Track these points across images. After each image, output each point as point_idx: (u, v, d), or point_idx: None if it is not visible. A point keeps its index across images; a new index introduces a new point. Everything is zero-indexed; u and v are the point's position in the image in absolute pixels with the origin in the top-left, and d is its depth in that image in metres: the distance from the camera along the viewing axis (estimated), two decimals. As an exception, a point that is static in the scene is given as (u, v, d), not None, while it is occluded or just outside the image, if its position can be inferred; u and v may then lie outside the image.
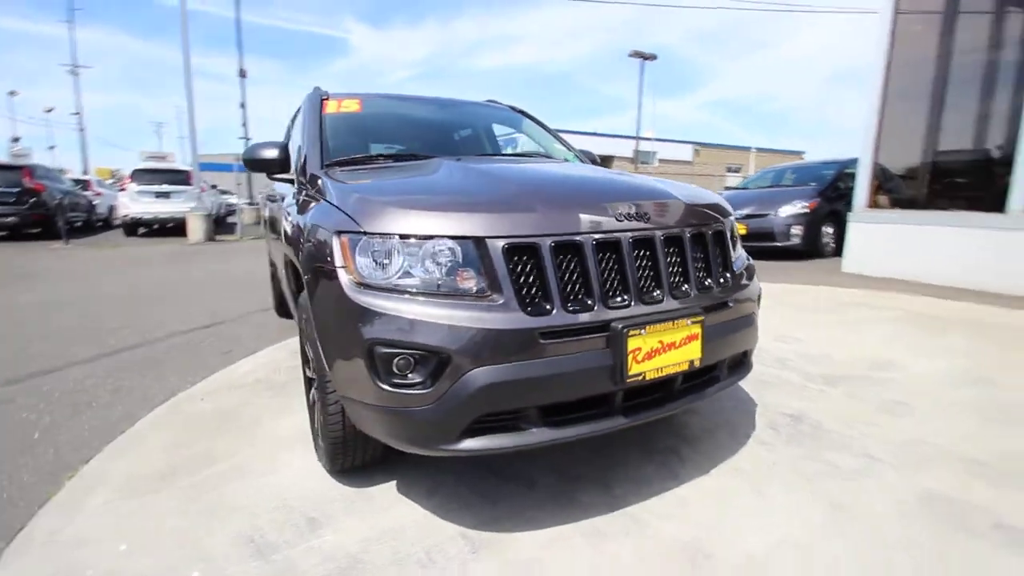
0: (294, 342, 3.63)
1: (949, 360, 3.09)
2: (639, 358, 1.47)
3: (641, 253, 1.58)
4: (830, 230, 8.29)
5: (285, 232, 2.24)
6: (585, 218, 1.51)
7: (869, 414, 2.38)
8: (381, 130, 2.76)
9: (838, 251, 7.94)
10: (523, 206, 1.50)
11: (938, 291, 5.09)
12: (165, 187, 11.96)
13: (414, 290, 1.41)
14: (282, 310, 4.21)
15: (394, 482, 1.88)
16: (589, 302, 1.46)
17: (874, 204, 6.35)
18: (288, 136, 3.34)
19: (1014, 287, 4.84)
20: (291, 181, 2.43)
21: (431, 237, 1.42)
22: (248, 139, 23.19)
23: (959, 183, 5.80)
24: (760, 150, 47.57)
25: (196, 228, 11.04)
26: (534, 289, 1.43)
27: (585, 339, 1.44)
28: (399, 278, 1.42)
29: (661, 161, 40.01)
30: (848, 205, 7.67)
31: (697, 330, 1.58)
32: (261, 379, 2.93)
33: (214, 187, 18.10)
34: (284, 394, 2.70)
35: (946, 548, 1.50)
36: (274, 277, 4.14)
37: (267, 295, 5.00)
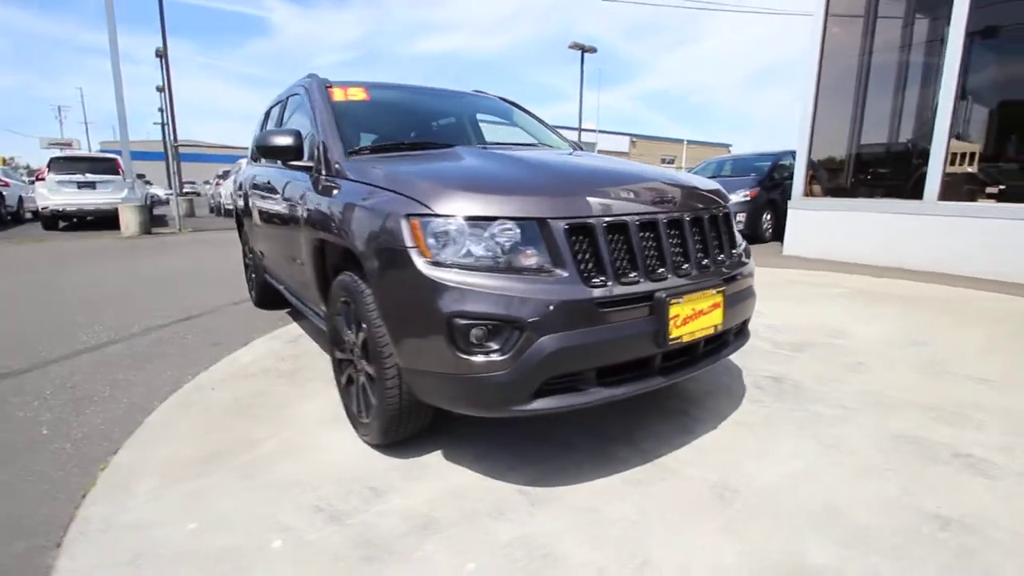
0: (288, 331, 3.60)
1: (889, 327, 3.57)
2: (678, 324, 1.68)
3: (672, 232, 1.78)
4: (768, 217, 9.02)
5: (308, 218, 2.27)
6: (628, 202, 1.70)
7: (836, 373, 2.75)
8: (391, 119, 2.80)
9: (776, 236, 8.67)
10: (578, 191, 1.67)
11: (869, 270, 5.74)
12: (90, 176, 11.05)
13: (485, 266, 1.54)
14: (263, 301, 4.13)
15: (440, 451, 2.00)
16: (635, 275, 1.65)
17: (810, 193, 7.00)
18: (279, 123, 3.29)
19: (932, 264, 5.54)
20: (307, 168, 2.45)
21: (498, 218, 1.56)
22: (165, 124, 21.38)
23: (882, 173, 6.52)
24: (691, 142, 50.19)
25: (130, 221, 10.28)
26: (591, 264, 1.60)
27: (634, 308, 1.63)
28: (471, 256, 1.55)
29: (600, 152, 41.16)
30: (783, 194, 8.37)
31: (720, 299, 1.81)
32: (268, 368, 2.92)
33: (141, 176, 16.86)
34: (296, 381, 2.72)
35: (919, 471, 1.83)
36: (255, 267, 4.05)
37: (233, 288, 4.87)
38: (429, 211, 1.57)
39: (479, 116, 3.32)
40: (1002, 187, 5.34)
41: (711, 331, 1.80)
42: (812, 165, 6.97)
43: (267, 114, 3.83)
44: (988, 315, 3.91)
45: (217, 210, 17.13)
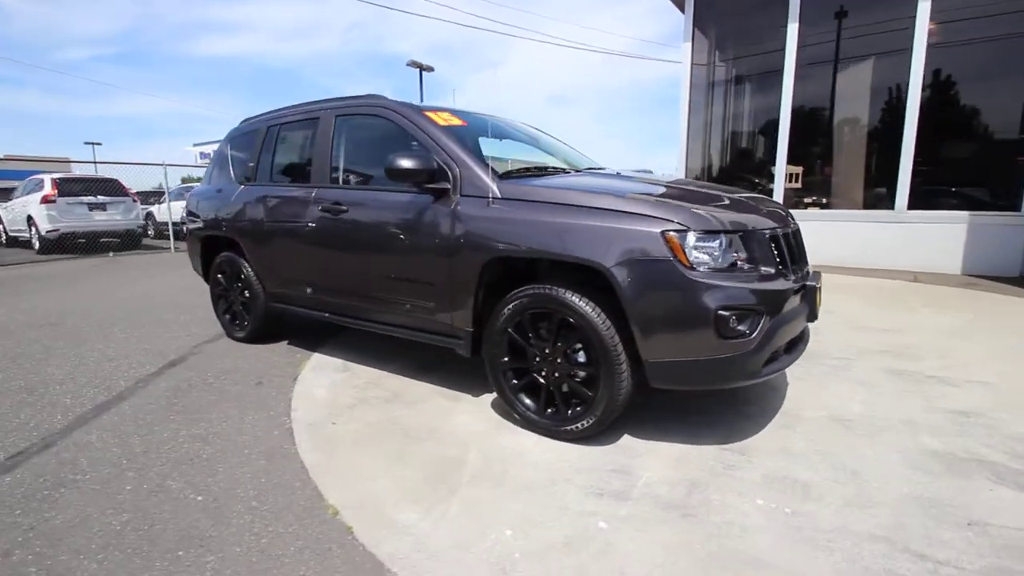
0: (323, 360, 3.35)
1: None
2: (816, 307, 2.31)
3: (791, 240, 2.41)
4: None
5: (468, 240, 2.35)
6: (772, 218, 2.28)
7: (815, 341, 3.72)
8: (490, 144, 2.91)
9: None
10: (757, 211, 2.18)
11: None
12: (102, 199, 10.44)
13: (728, 267, 1.96)
14: (260, 334, 3.72)
15: (625, 434, 2.31)
16: (789, 273, 2.23)
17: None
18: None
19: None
20: (437, 192, 2.50)
21: (727, 231, 1.99)
22: None
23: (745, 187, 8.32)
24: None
25: None
26: (778, 264, 2.13)
27: (799, 295, 2.21)
28: (718, 260, 1.95)
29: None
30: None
31: (820, 292, 2.49)
32: (362, 397, 2.79)
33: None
34: (407, 402, 2.70)
35: (903, 387, 2.76)
36: (248, 299, 3.63)
37: (160, 326, 4.21)
38: (682, 227, 1.93)
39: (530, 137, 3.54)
40: (815, 197, 7.35)
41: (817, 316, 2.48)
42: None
43: (262, 135, 3.53)
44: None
45: None
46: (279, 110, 3.59)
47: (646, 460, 2.11)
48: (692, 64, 7.48)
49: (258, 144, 3.56)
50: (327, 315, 3.20)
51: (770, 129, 7.10)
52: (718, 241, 1.97)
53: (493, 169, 2.44)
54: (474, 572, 1.52)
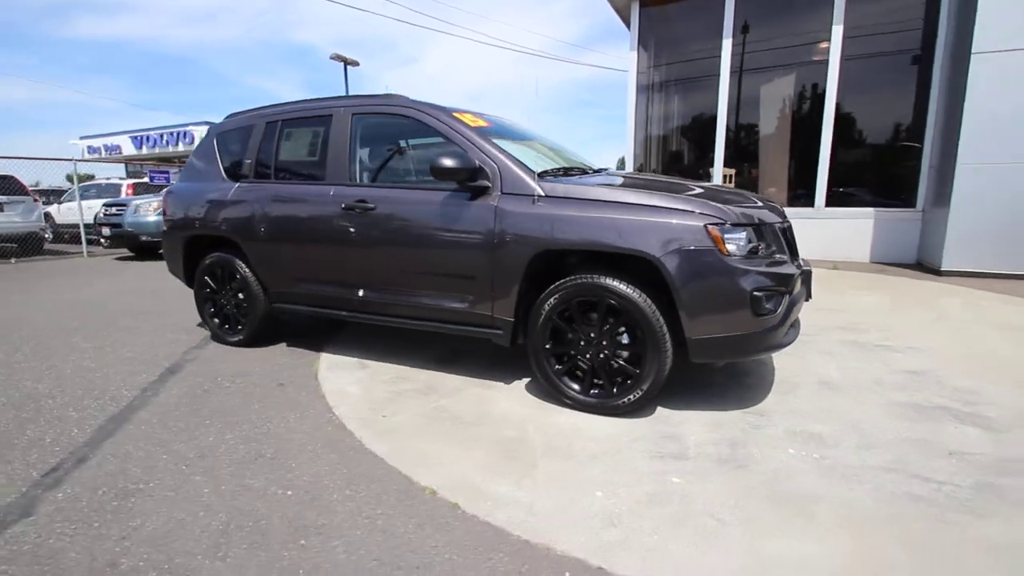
0: (337, 360, 3.33)
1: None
2: (811, 288, 2.72)
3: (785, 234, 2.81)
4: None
5: (516, 234, 2.51)
6: (777, 215, 2.65)
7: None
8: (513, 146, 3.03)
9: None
10: (765, 208, 2.53)
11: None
12: None
13: (759, 254, 2.29)
14: (258, 336, 3.61)
15: (659, 407, 2.59)
16: (793, 259, 2.62)
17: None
18: (348, 146, 3.09)
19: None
20: (478, 190, 2.62)
21: (752, 225, 2.32)
22: None
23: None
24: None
25: None
26: (785, 252, 2.50)
27: (801, 278, 2.60)
28: (749, 248, 2.27)
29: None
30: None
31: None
32: (399, 391, 2.85)
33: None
34: (443, 392, 2.80)
35: (862, 355, 3.30)
36: (244, 300, 3.52)
37: (127, 333, 3.96)
38: (720, 221, 2.23)
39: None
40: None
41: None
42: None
43: (260, 131, 3.44)
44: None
45: None
46: (275, 106, 3.51)
47: (686, 427, 2.39)
48: (637, 73, 8.02)
49: (255, 140, 3.45)
50: (344, 313, 3.20)
51: (706, 134, 7.80)
52: (745, 233, 2.29)
53: (530, 168, 2.62)
54: (589, 525, 1.70)
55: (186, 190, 3.76)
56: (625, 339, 2.43)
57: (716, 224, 2.24)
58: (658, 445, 2.23)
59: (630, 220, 2.32)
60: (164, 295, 5.57)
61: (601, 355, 2.47)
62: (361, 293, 3.09)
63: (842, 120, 6.99)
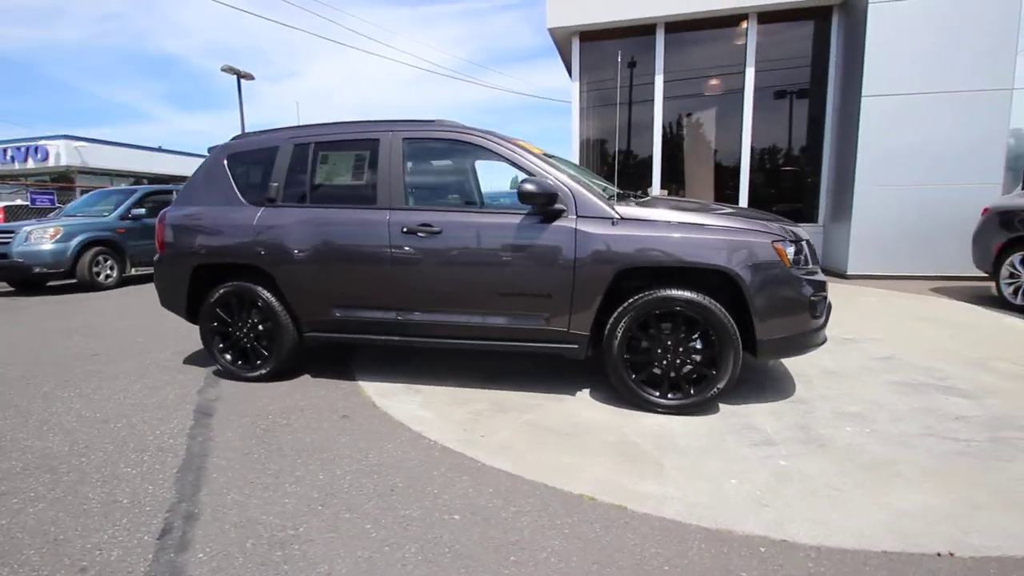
0: (380, 388, 3.25)
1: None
2: (821, 291, 3.24)
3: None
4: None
5: (597, 254, 2.71)
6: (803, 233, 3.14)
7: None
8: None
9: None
10: (796, 226, 3.00)
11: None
12: None
13: (805, 265, 2.71)
14: (284, 368, 3.38)
15: (721, 404, 2.91)
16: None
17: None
18: (401, 170, 3.06)
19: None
20: (554, 213, 2.78)
21: (799, 240, 2.75)
22: None
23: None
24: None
25: None
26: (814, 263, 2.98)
27: (822, 282, 3.10)
28: (802, 261, 2.68)
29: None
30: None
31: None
32: (478, 411, 2.88)
33: None
34: (524, 411, 2.89)
35: (840, 348, 3.95)
36: (271, 329, 3.29)
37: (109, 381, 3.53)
38: (781, 238, 2.62)
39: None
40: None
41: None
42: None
43: (287, 153, 3.29)
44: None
45: None
46: (301, 128, 3.37)
47: (754, 419, 2.73)
48: (580, 98, 8.62)
49: (282, 163, 3.28)
50: (395, 338, 3.15)
51: (640, 155, 8.58)
52: (796, 248, 2.71)
53: (601, 193, 2.85)
54: (746, 508, 1.94)
55: (193, 215, 3.43)
56: (699, 344, 2.72)
57: (779, 240, 2.63)
58: (745, 436, 2.54)
59: (709, 239, 2.63)
60: (104, 334, 4.90)
61: (677, 360, 2.74)
62: (417, 316, 3.07)
63: (755, 147, 8.11)
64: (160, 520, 1.93)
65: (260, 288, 3.28)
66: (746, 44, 7.81)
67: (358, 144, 3.22)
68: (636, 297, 2.72)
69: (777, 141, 8.29)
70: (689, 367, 2.74)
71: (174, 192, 9.53)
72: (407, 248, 2.99)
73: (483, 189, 4.01)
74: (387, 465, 2.32)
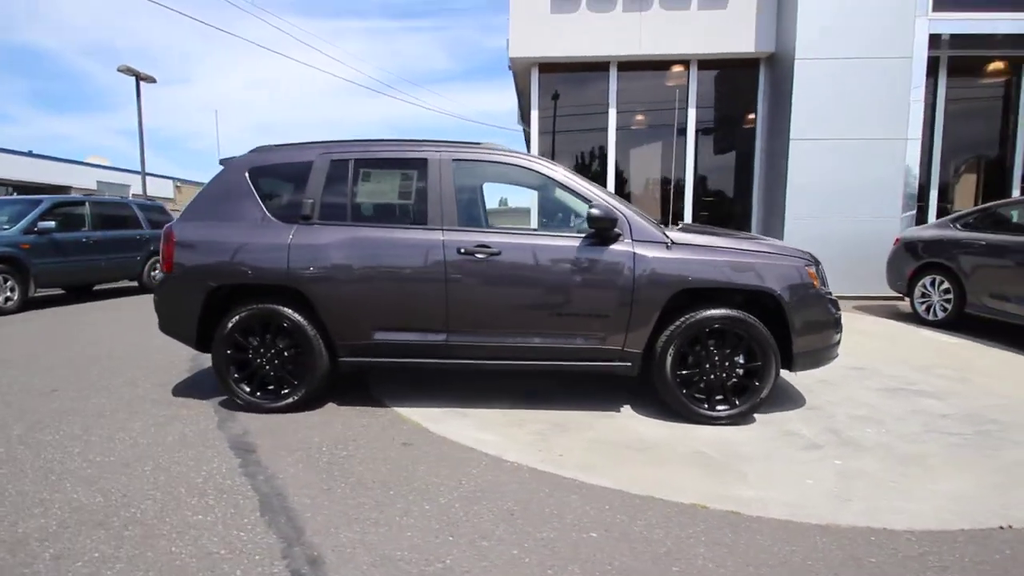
0: (426, 413, 3.16)
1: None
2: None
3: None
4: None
5: (652, 276, 2.89)
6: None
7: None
8: None
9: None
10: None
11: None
12: None
13: (828, 286, 3.09)
14: (315, 396, 3.16)
15: (753, 415, 3.19)
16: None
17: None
18: (453, 190, 3.06)
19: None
20: (607, 237, 2.93)
21: (819, 263, 3.13)
22: None
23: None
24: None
25: None
26: (824, 284, 3.39)
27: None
28: (825, 284, 3.05)
29: (136, 195, 33.75)
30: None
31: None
32: (540, 431, 2.89)
33: None
34: (583, 430, 2.96)
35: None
36: (302, 352, 3.08)
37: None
38: (811, 262, 2.98)
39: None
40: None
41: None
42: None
43: (322, 169, 3.14)
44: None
45: None
46: (334, 143, 3.22)
47: (789, 425, 3.03)
48: (539, 123, 8.95)
49: (317, 179, 3.12)
50: (440, 361, 3.09)
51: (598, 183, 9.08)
52: (817, 269, 3.09)
53: (652, 219, 3.05)
54: (834, 503, 2.17)
55: (211, 232, 3.12)
56: (741, 359, 2.98)
57: (809, 265, 2.99)
58: (791, 441, 2.81)
59: (756, 263, 2.93)
60: (39, 368, 4.24)
61: (723, 374, 2.98)
62: (467, 338, 3.05)
63: (697, 177, 8.91)
64: (283, 569, 1.76)
65: (290, 311, 3.06)
66: (688, 86, 8.63)
67: (404, 163, 3.17)
68: (687, 316, 2.93)
69: (716, 173, 9.17)
70: (734, 380, 2.99)
71: (87, 203, 8.45)
72: (464, 269, 2.97)
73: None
74: (486, 490, 2.28)
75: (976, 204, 8.32)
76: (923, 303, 5.96)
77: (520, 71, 9.09)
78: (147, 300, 8.61)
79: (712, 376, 2.98)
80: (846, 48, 7.40)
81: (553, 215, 3.61)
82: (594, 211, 2.83)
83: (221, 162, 3.34)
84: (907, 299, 6.24)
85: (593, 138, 9.05)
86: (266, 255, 3.06)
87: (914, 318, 6.09)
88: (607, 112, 8.75)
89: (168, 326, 3.24)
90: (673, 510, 2.13)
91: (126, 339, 5.27)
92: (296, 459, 2.56)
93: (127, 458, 2.57)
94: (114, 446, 2.71)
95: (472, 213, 3.24)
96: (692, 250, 2.96)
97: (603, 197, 3.05)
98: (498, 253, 2.98)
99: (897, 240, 6.43)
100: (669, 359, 2.95)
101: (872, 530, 2.00)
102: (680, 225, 3.75)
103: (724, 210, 9.24)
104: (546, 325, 3.01)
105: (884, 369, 4.16)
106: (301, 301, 3.08)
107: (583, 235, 2.98)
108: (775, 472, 2.47)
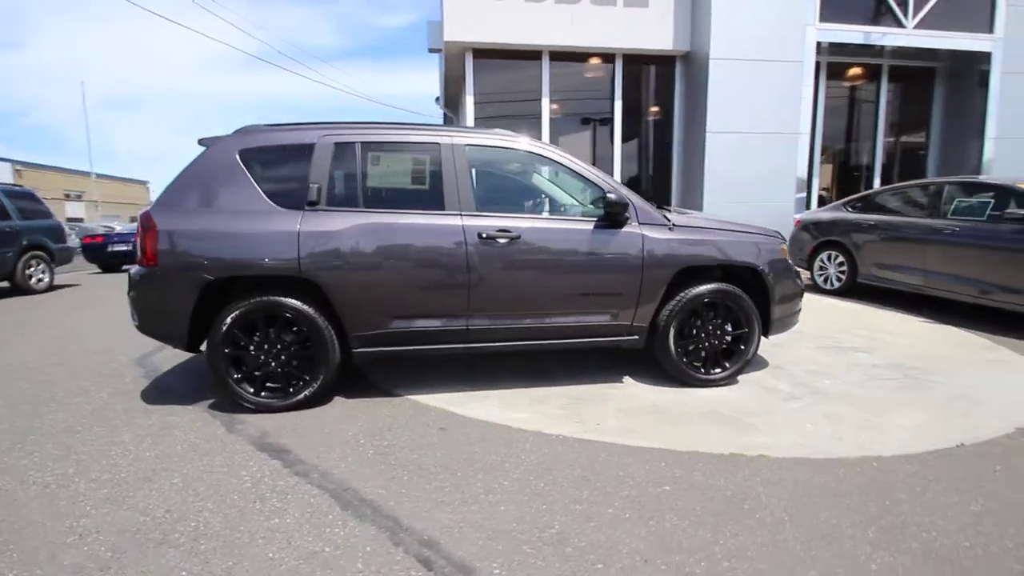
0: (443, 399, 3.16)
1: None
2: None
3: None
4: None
5: (661, 254, 3.14)
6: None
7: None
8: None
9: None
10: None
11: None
12: None
13: (792, 261, 3.56)
14: (327, 392, 3.01)
15: (740, 376, 3.61)
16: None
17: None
18: (469, 176, 3.04)
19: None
20: (618, 221, 3.12)
21: (787, 241, 3.60)
22: None
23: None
24: (101, 176, 41.96)
25: None
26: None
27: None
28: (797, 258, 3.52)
29: (-44, 179, 28.04)
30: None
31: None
32: (569, 406, 3.03)
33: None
34: (607, 402, 3.16)
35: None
36: (322, 350, 2.93)
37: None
38: (783, 240, 3.41)
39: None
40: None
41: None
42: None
43: (327, 152, 2.97)
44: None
45: None
46: (334, 124, 3.05)
47: (766, 382, 3.49)
48: (475, 108, 8.92)
49: (322, 162, 2.93)
50: (459, 346, 3.11)
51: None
52: (786, 246, 3.56)
53: (652, 203, 3.30)
54: (831, 442, 2.60)
55: (203, 219, 2.80)
56: (729, 328, 3.37)
57: (782, 242, 3.44)
58: (775, 396, 3.25)
59: (746, 241, 3.30)
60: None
61: (715, 342, 3.34)
62: (487, 322, 3.10)
63: (623, 166, 9.49)
64: (403, 554, 1.74)
65: (297, 302, 2.89)
66: (614, 78, 9.12)
67: (414, 147, 3.09)
68: (685, 292, 3.24)
69: (638, 162, 9.82)
70: (723, 347, 3.37)
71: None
72: (486, 253, 3.00)
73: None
74: (550, 462, 2.39)
75: (841, 190, 9.84)
76: (821, 275, 6.97)
77: (453, 54, 8.97)
78: (27, 303, 7.38)
79: (708, 344, 3.33)
80: (752, 51, 8.30)
81: (561, 200, 3.73)
82: (611, 196, 3.01)
83: (201, 142, 3.01)
84: (807, 272, 7.27)
85: (526, 125, 9.23)
86: (272, 244, 2.83)
87: (814, 288, 7.10)
88: (540, 100, 8.97)
89: (150, 326, 2.88)
90: (718, 460, 2.41)
91: (35, 346, 4.52)
92: (341, 454, 2.47)
93: (145, 472, 2.30)
94: (116, 462, 2.40)
95: (494, 197, 3.26)
96: (690, 231, 3.27)
97: (613, 183, 3.24)
98: (518, 237, 3.05)
99: (797, 221, 7.42)
100: (672, 331, 3.25)
101: (873, 458, 2.44)
102: (671, 208, 4.08)
103: (647, 197, 9.92)
104: (564, 305, 3.16)
105: (814, 332, 4.87)
106: (309, 291, 2.92)
107: (594, 219, 3.16)
108: (777, 422, 2.86)
